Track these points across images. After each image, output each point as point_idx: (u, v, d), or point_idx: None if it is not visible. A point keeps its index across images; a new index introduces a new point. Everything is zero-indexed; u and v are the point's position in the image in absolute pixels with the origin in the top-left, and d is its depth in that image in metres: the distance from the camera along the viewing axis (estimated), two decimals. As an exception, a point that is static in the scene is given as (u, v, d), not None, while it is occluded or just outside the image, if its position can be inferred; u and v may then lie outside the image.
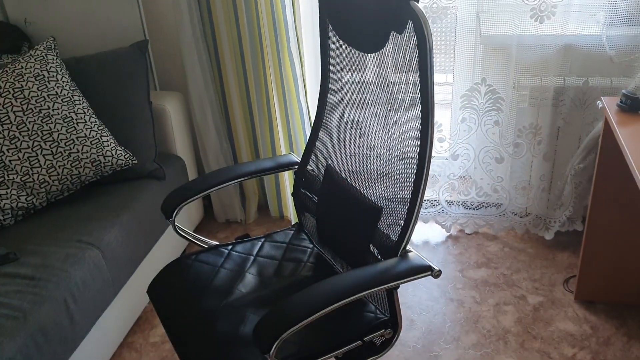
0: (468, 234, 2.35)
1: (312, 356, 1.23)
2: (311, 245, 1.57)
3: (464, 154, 2.23)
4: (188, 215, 2.35)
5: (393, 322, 1.30)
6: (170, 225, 1.51)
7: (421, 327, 1.89)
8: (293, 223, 1.68)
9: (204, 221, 2.55)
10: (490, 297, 2.01)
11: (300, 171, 1.58)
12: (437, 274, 1.21)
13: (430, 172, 2.31)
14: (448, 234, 2.36)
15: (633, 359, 1.71)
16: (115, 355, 1.86)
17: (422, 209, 2.35)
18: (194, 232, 2.44)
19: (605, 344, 1.77)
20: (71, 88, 1.89)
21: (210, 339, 1.27)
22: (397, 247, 1.24)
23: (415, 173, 1.21)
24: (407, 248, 1.25)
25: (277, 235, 1.62)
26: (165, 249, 2.12)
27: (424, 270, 1.20)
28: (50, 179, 1.82)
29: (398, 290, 1.24)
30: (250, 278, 1.46)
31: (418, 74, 1.14)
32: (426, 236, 2.37)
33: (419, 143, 1.19)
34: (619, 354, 1.74)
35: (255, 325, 1.08)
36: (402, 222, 1.25)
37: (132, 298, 1.90)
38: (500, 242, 2.29)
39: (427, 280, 2.06)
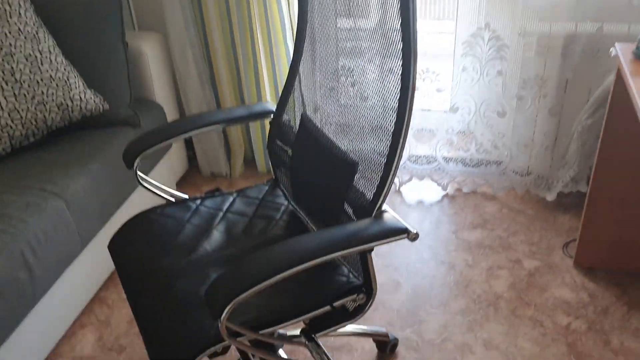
0: (465, 193, 2.22)
1: (275, 321, 1.12)
2: (286, 202, 1.45)
3: (464, 106, 2.07)
4: (170, 167, 2.23)
5: (367, 287, 1.19)
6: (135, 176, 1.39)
7: (407, 290, 1.78)
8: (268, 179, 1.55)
9: (188, 174, 2.43)
10: (484, 260, 1.89)
11: (276, 121, 1.44)
12: (413, 237, 1.08)
13: (428, 126, 2.17)
14: (444, 192, 2.22)
15: (632, 330, 1.60)
16: (86, 309, 1.78)
17: (417, 166, 2.22)
18: (176, 184, 2.33)
19: (603, 314, 1.66)
20: (35, 24, 1.74)
21: (168, 299, 1.17)
22: (371, 206, 1.12)
23: (395, 124, 1.07)
24: (382, 208, 1.12)
25: (251, 190, 1.49)
26: (142, 202, 2.00)
27: (398, 232, 1.07)
28: (13, 122, 1.69)
29: (372, 253, 1.12)
30: (216, 235, 1.34)
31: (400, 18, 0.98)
32: (421, 195, 2.24)
33: (399, 91, 1.05)
34: (617, 324, 1.62)
35: (208, 286, 0.97)
36: (378, 180, 1.12)
37: (103, 252, 1.81)
38: (498, 202, 2.15)
39: (418, 242, 1.94)
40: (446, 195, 2.21)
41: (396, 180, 2.26)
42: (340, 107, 1.27)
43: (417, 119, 2.13)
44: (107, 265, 1.86)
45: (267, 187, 1.50)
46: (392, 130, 1.07)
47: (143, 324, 1.15)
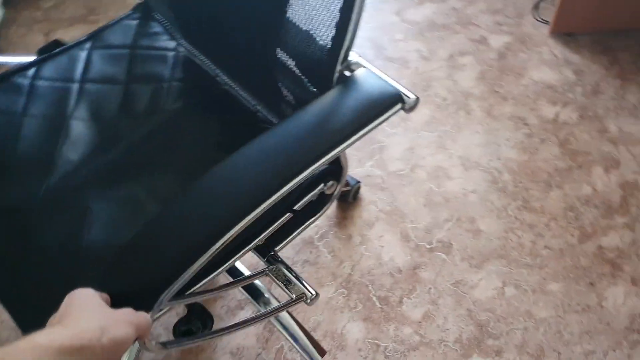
0: (400, -47, 1.69)
1: (213, 266, 0.72)
2: (173, 44, 0.92)
3: None
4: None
5: (335, 171, 0.79)
6: None
7: (356, 108, 1.38)
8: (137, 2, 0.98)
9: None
10: (441, 47, 1.48)
11: None
12: (411, 106, 0.65)
13: None
14: (373, -44, 1.69)
15: (629, 109, 1.32)
16: None
17: None
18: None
19: (593, 94, 1.36)
20: None
21: (30, 258, 0.72)
22: (331, 58, 0.65)
23: None
24: (349, 59, 0.65)
25: (111, 33, 0.94)
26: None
27: (391, 103, 0.64)
28: None
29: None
30: (79, 129, 0.84)
31: None
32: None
33: None
34: (612, 104, 1.33)
35: (108, 267, 0.54)
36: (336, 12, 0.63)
37: None
38: (444, -41, 1.66)
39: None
40: (376, -40, 1.68)
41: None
42: None
43: None
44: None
45: (136, 22, 0.95)
46: None
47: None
